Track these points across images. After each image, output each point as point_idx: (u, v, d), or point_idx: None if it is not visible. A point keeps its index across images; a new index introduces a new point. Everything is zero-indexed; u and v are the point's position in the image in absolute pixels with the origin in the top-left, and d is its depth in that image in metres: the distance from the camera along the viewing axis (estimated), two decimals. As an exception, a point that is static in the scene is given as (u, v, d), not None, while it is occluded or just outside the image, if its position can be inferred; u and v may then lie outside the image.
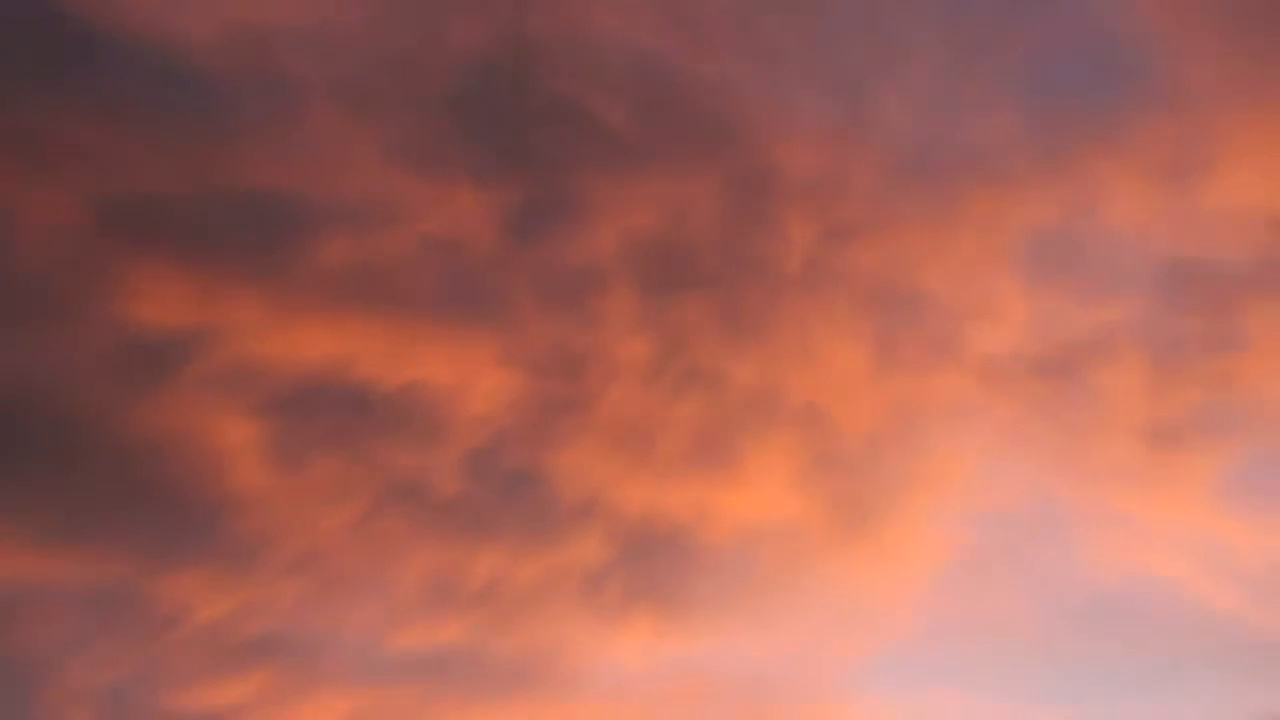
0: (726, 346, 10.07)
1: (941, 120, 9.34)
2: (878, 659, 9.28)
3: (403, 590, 9.28)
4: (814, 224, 9.47)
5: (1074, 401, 9.14)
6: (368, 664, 9.24)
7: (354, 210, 8.39)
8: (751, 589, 10.00)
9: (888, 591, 9.86)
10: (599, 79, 8.27)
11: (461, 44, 8.57)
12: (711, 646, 10.04)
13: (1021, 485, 9.56)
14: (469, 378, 9.39)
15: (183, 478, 8.39)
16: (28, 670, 7.30)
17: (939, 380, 10.11)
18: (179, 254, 7.93)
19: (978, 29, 8.27)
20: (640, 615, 9.73)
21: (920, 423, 10.05)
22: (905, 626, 9.33)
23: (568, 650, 9.64)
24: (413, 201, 8.50)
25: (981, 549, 9.67)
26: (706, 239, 9.98)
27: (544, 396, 9.55)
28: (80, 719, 7.70)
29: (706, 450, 10.20)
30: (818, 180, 9.06)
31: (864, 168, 8.97)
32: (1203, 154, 7.97)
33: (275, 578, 8.92)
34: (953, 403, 10.12)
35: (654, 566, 9.84)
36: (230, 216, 7.94)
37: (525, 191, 8.47)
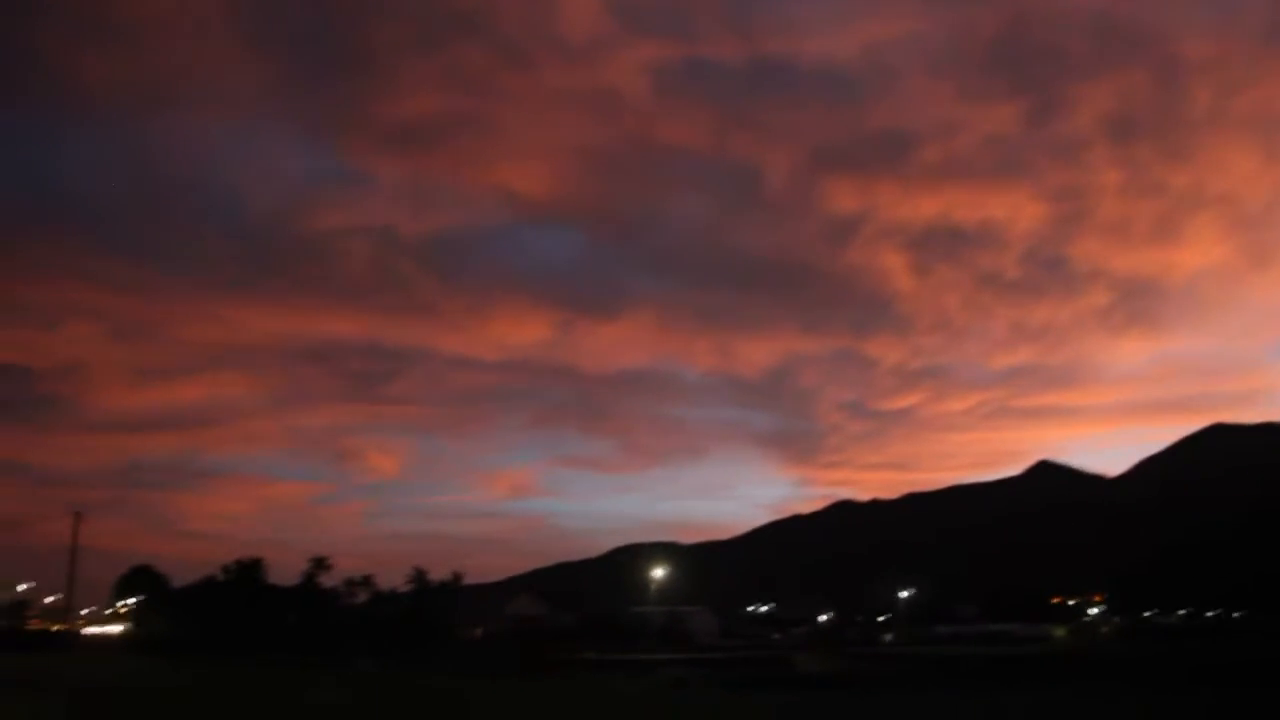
0: (1168, 166, 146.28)
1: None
2: None
3: (993, 333, 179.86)
4: (1210, 87, 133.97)
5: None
6: (980, 376, 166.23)
7: (939, 128, 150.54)
8: (1199, 307, 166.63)
9: None
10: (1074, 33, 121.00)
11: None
12: (1178, 344, 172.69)
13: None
14: (1016, 211, 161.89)
15: (868, 287, 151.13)
16: (807, 395, 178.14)
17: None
18: (843, 173, 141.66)
19: None
20: (1133, 331, 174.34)
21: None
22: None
23: (1092, 355, 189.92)
24: (969, 118, 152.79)
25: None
26: (1146, 107, 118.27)
27: (1061, 214, 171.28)
28: (836, 417, 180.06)
29: (1162, 229, 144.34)
30: (1215, 59, 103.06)
31: (1247, 48, 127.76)
32: None
33: (923, 334, 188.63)
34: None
35: (1138, 302, 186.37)
36: (883, 150, 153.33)
37: (1032, 99, 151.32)
